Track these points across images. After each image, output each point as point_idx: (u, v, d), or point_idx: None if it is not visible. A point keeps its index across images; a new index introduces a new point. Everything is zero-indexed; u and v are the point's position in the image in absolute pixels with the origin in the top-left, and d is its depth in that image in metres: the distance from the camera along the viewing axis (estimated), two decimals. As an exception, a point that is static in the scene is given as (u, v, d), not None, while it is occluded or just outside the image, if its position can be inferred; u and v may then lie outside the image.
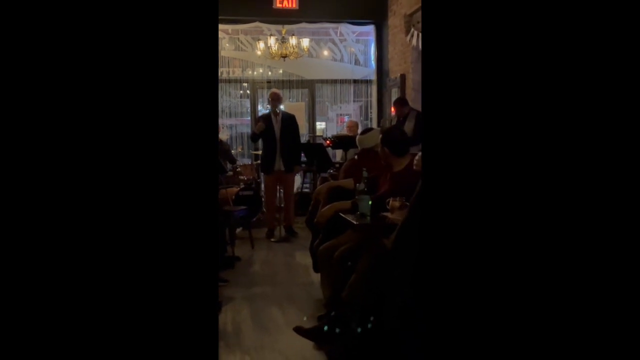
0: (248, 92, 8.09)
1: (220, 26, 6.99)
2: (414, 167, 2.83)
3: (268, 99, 5.71)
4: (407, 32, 6.28)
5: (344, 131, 6.94)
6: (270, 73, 8.04)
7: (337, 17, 7.48)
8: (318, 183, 5.67)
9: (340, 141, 5.95)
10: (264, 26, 7.52)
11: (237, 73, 8.00)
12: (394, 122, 5.99)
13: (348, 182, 3.45)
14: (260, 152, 5.99)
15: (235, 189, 5.53)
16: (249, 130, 7.25)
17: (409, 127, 5.40)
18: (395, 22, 6.96)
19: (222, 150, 5.80)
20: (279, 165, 5.50)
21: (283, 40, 6.91)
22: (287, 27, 7.18)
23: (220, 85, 7.60)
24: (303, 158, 6.02)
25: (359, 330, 2.36)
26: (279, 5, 7.11)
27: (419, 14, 5.77)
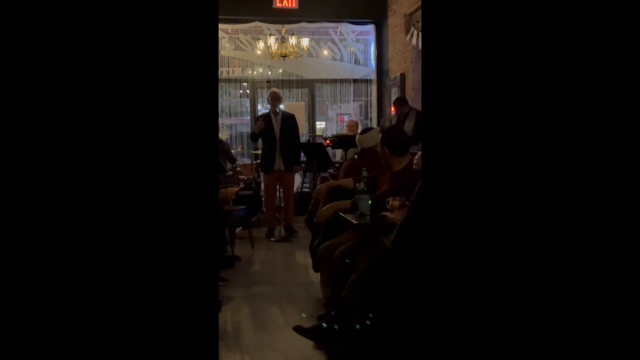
0: (248, 91, 8.10)
1: (220, 26, 6.99)
2: (414, 167, 2.83)
3: (268, 99, 5.71)
4: (407, 31, 6.28)
5: (344, 131, 6.94)
6: (270, 72, 8.05)
7: (337, 16, 7.48)
8: (318, 182, 5.67)
9: (340, 141, 5.95)
10: (264, 26, 7.52)
11: (236, 73, 8.00)
12: (393, 122, 5.99)
13: (348, 182, 3.45)
14: (260, 152, 5.99)
15: (235, 189, 5.53)
16: (249, 130, 7.25)
17: (408, 126, 5.40)
18: (395, 21, 6.96)
19: (222, 150, 5.79)
20: (279, 164, 5.50)
21: (283, 40, 6.91)
22: (286, 26, 7.18)
23: (220, 84, 7.60)
24: (303, 158, 6.02)
25: (359, 329, 2.36)
26: (278, 4, 7.11)
27: (419, 13, 5.78)
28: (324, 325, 2.62)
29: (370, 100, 8.17)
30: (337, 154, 6.70)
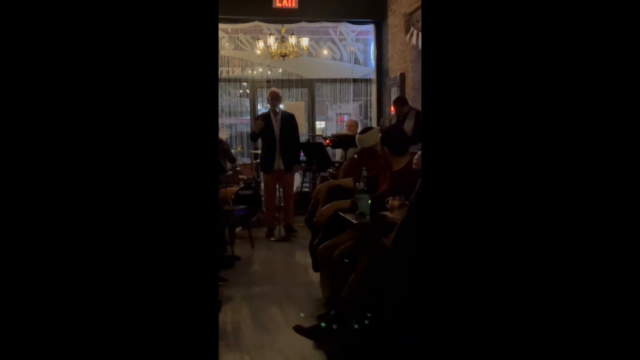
0: (247, 91, 8.09)
1: (220, 25, 6.98)
2: (413, 166, 2.83)
3: (267, 98, 5.71)
4: (407, 31, 6.28)
5: (344, 130, 6.95)
6: (269, 72, 8.04)
7: (337, 16, 7.48)
8: (318, 182, 5.68)
9: (340, 140, 5.96)
10: (264, 25, 7.52)
11: (236, 72, 8.00)
12: (393, 121, 5.99)
13: (347, 181, 3.44)
14: (259, 152, 5.99)
15: (234, 188, 5.53)
16: (249, 130, 7.25)
17: (408, 126, 5.40)
18: (394, 21, 6.96)
19: (221, 150, 5.80)
20: (279, 164, 5.50)
21: (282, 40, 6.91)
22: (286, 26, 7.18)
23: (219, 84, 7.60)
24: (302, 157, 6.02)
25: (358, 328, 2.36)
26: (278, 4, 7.11)
27: (419, 12, 5.78)
28: (324, 325, 2.62)
29: (370, 100, 8.17)
30: (337, 154, 6.70)
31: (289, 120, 5.54)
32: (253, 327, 3.09)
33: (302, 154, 5.97)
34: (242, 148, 7.84)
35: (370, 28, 7.82)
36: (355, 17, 7.60)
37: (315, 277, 3.61)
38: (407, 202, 2.47)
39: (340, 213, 2.92)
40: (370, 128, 4.29)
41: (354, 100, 8.32)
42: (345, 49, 8.10)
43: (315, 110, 8.20)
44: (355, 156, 4.02)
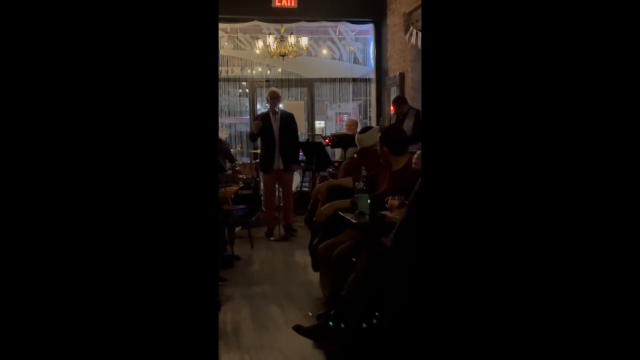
0: (247, 91, 8.09)
1: (219, 25, 6.98)
2: (413, 166, 2.83)
3: (267, 98, 5.71)
4: (406, 30, 6.28)
5: (343, 130, 6.94)
6: (269, 72, 8.04)
7: (336, 15, 7.48)
8: (317, 182, 5.68)
9: (340, 140, 5.96)
10: (263, 25, 7.52)
11: (236, 72, 8.00)
12: (393, 121, 5.99)
13: (347, 181, 3.45)
14: (259, 151, 5.99)
15: (234, 188, 5.53)
16: (248, 129, 7.25)
17: (408, 125, 5.40)
18: (394, 20, 6.96)
19: (221, 149, 5.80)
20: (278, 164, 5.50)
21: (282, 39, 6.90)
22: (286, 25, 7.18)
23: (219, 84, 7.60)
24: (302, 157, 6.02)
25: (358, 328, 2.36)
26: (277, 4, 7.11)
27: (418, 12, 5.78)
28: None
29: (370, 100, 8.17)
30: (337, 153, 6.71)
31: (288, 119, 5.54)
32: (253, 327, 3.09)
33: (301, 153, 5.97)
34: (241, 148, 7.84)
35: (369, 27, 7.82)
36: (355, 16, 7.60)
37: (315, 276, 3.61)
38: (406, 202, 2.47)
39: (340, 213, 2.92)
40: (370, 127, 4.29)
41: (353, 100, 8.33)
42: (345, 49, 8.10)
43: (315, 109, 8.20)
44: (355, 156, 4.02)
